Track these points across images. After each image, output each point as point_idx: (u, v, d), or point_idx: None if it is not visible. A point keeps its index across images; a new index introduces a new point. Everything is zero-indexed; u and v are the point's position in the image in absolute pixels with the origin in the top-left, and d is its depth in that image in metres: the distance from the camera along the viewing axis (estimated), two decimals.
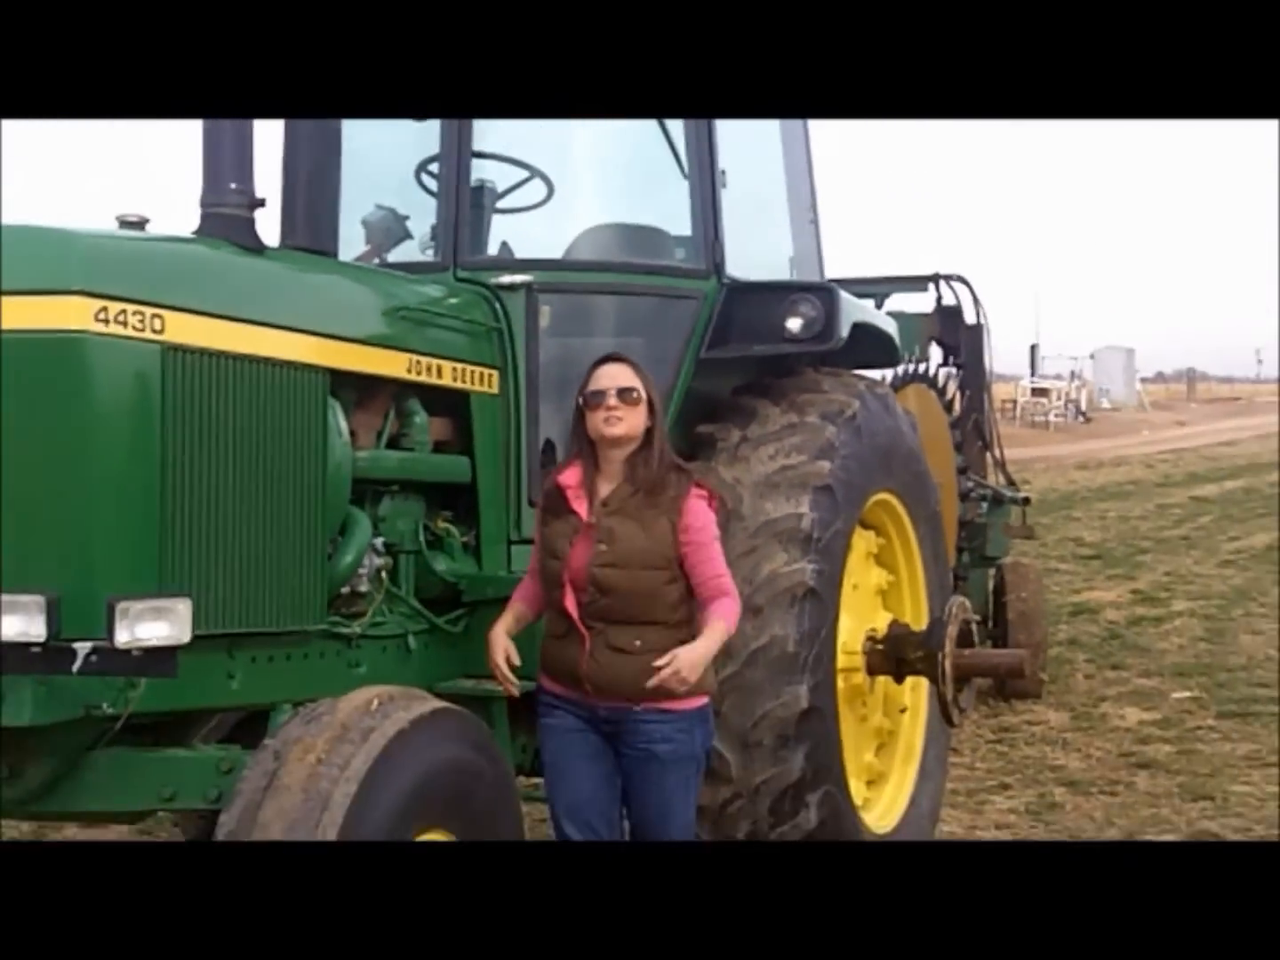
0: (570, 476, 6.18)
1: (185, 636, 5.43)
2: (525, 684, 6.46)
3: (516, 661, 6.21)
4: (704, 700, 6.17)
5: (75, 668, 5.37)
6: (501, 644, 6.24)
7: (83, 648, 5.34)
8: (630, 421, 6.11)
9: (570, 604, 6.01)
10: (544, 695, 6.22)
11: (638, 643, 5.96)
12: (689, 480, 6.20)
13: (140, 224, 6.01)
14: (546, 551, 6.15)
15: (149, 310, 5.67)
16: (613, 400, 6.09)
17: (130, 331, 5.62)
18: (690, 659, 5.94)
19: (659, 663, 5.91)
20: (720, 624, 6.07)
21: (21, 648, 5.36)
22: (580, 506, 6.10)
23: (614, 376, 6.16)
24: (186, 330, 5.79)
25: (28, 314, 5.49)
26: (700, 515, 6.15)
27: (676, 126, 8.14)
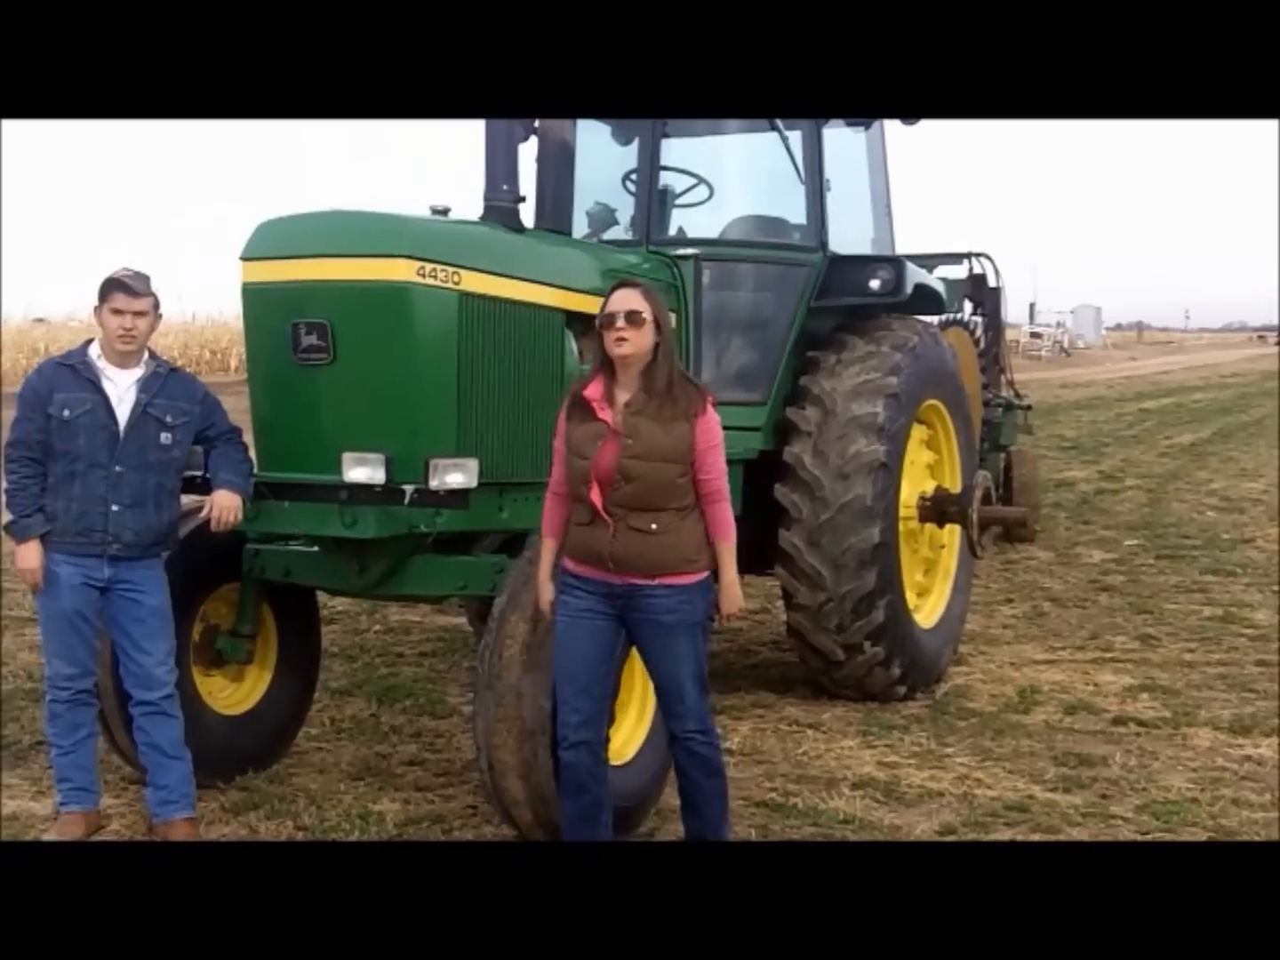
0: (594, 390, 5.10)
1: (473, 483, 5.66)
2: None
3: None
4: (704, 574, 5.12)
5: (403, 501, 5.61)
6: (547, 593, 5.19)
7: (408, 488, 5.59)
8: (636, 341, 5.00)
9: (596, 496, 4.98)
10: (566, 576, 5.15)
11: (654, 526, 4.99)
12: (701, 392, 5.16)
13: (445, 211, 6.15)
14: (575, 453, 5.05)
15: (451, 269, 5.84)
16: (620, 323, 4.99)
17: (439, 283, 5.80)
18: (732, 594, 5.18)
19: (722, 615, 5.20)
20: (727, 546, 5.17)
21: (368, 488, 5.62)
22: (606, 414, 5.04)
23: (624, 300, 5.05)
24: (475, 283, 5.95)
25: (374, 270, 5.70)
26: (714, 424, 5.13)
27: (796, 144, 8.13)
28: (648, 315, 5.03)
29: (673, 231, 8.26)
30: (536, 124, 7.21)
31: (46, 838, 5.64)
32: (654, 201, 8.01)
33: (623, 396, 5.07)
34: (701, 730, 5.17)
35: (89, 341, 5.74)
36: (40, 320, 37.04)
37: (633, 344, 5.01)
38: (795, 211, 8.30)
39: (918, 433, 8.42)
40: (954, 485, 8.72)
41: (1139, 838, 5.92)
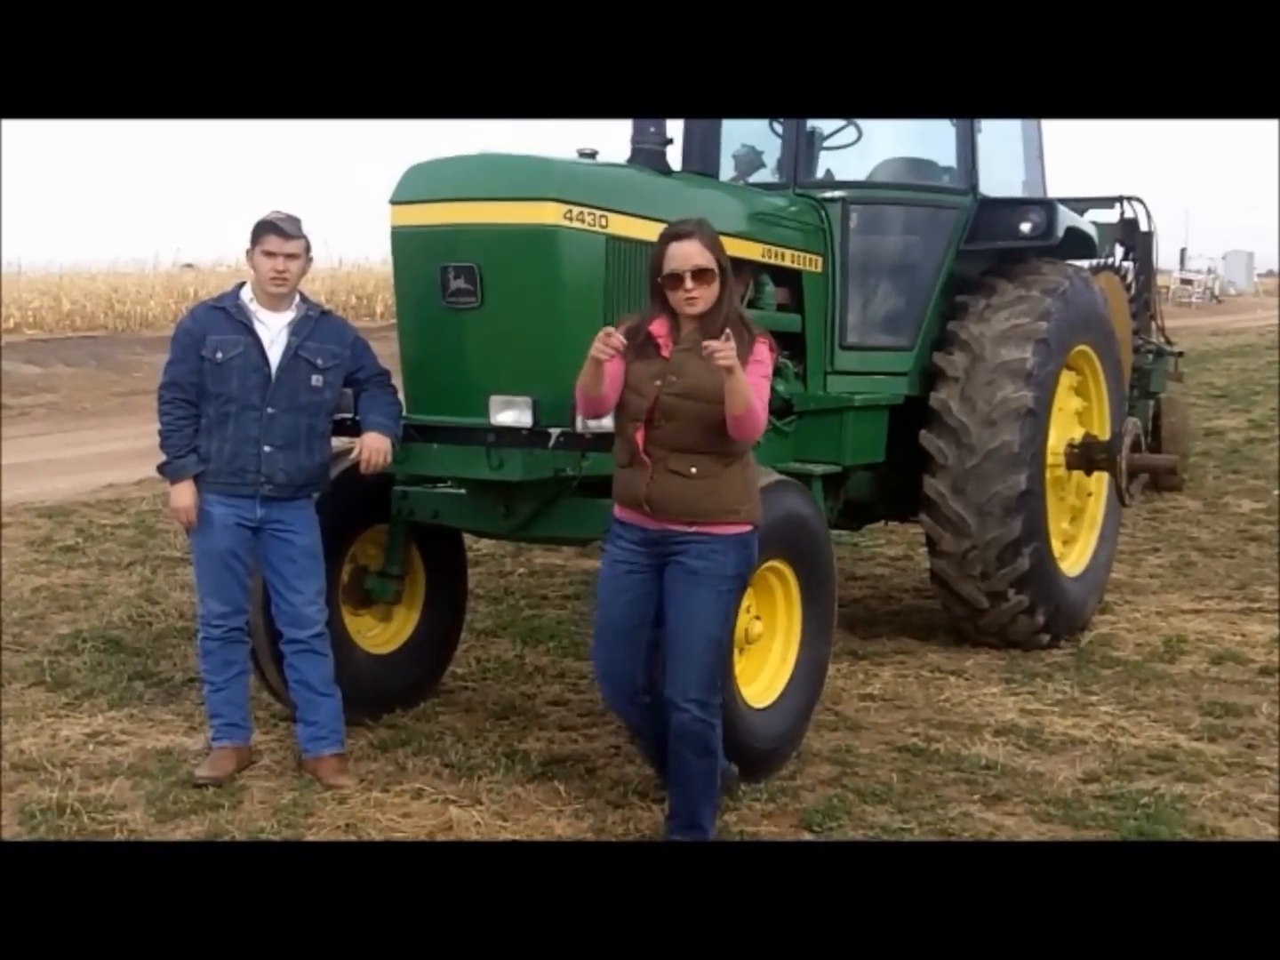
0: (659, 327, 4.88)
1: None
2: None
3: (620, 344, 4.73)
4: (747, 528, 4.90)
5: (549, 445, 5.62)
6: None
7: (554, 432, 5.59)
8: (706, 297, 4.79)
9: (639, 435, 4.81)
10: (613, 522, 5.06)
11: (693, 470, 4.76)
12: (755, 335, 4.88)
13: (592, 154, 6.13)
14: (631, 390, 4.85)
15: (599, 212, 5.82)
16: (689, 283, 4.76)
17: (586, 226, 5.78)
18: (729, 350, 4.55)
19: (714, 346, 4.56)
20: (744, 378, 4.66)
21: (515, 431, 5.64)
22: (668, 352, 4.86)
23: (688, 256, 4.77)
24: (622, 226, 5.92)
25: (521, 213, 5.70)
26: (765, 358, 4.88)
27: None
28: (714, 266, 4.81)
29: (820, 174, 8.13)
30: None
31: (199, 773, 5.74)
32: (802, 144, 7.90)
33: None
34: (700, 702, 4.87)
35: (240, 285, 5.81)
36: (189, 265, 37.71)
37: (703, 300, 4.82)
38: (945, 154, 8.16)
39: (1067, 379, 8.27)
40: (1102, 432, 8.56)
41: None
